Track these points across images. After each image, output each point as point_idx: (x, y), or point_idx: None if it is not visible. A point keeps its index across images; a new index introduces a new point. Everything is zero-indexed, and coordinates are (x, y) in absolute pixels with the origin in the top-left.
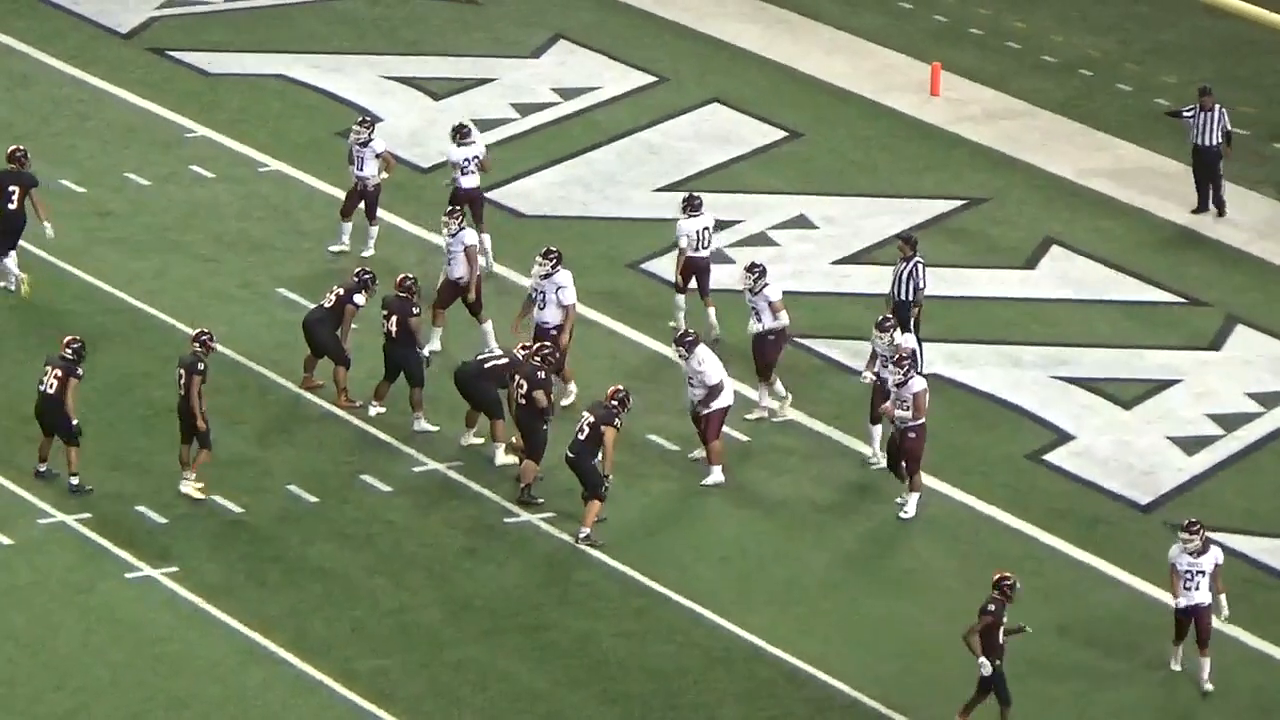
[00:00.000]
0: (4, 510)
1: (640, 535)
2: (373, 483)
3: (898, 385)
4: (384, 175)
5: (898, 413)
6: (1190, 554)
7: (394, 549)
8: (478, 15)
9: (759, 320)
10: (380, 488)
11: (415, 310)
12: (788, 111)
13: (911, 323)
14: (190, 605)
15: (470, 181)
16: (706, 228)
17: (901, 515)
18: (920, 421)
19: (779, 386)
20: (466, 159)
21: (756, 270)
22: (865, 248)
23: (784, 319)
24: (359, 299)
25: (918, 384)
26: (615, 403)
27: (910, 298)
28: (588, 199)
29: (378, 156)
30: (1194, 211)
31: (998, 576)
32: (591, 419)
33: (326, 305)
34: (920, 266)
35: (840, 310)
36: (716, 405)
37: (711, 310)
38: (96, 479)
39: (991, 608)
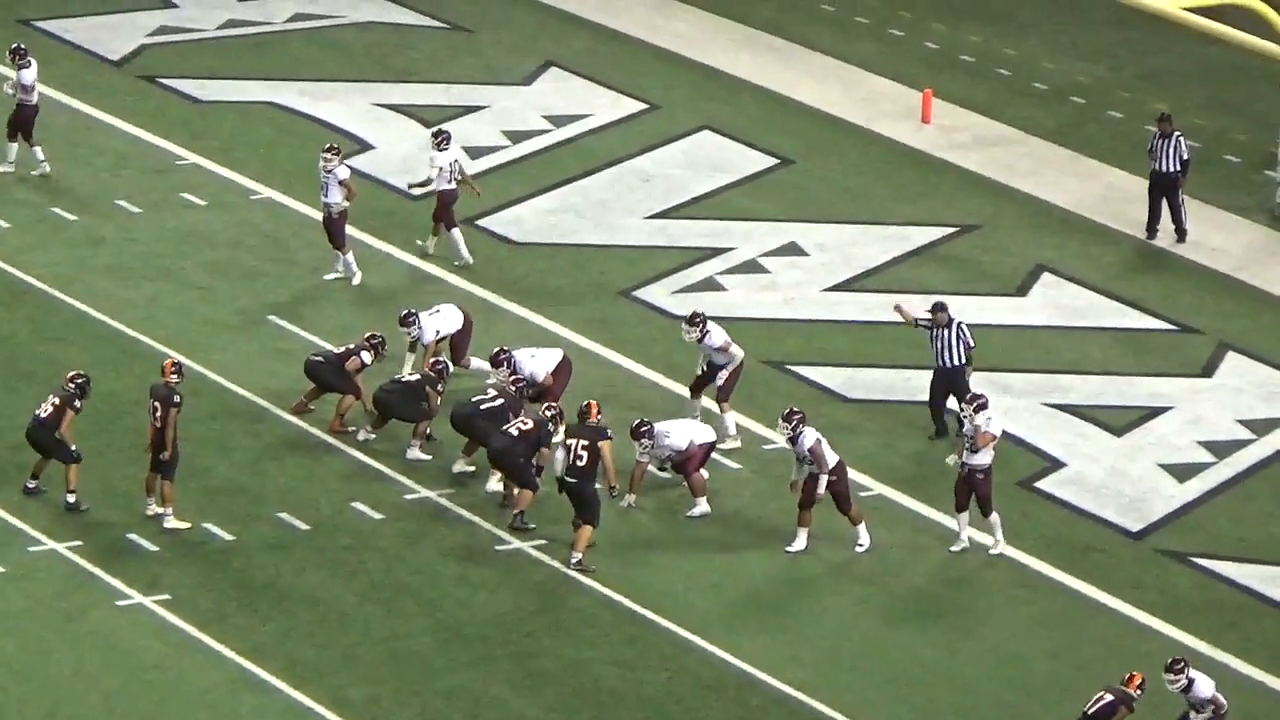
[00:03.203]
0: None
1: (632, 562)
2: (364, 510)
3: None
4: (347, 202)
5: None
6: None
7: (385, 576)
8: (469, 42)
9: (714, 367)
10: (372, 515)
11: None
12: (779, 138)
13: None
14: (182, 633)
15: (448, 184)
16: (456, 159)
17: (858, 548)
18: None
19: (729, 423)
20: (451, 163)
21: (698, 322)
22: (856, 275)
23: (736, 352)
24: (366, 357)
25: (808, 438)
26: (599, 416)
27: (964, 360)
28: (579, 226)
29: (341, 183)
30: (1147, 237)
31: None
32: (585, 441)
33: (335, 351)
34: (964, 326)
35: (832, 338)
36: (699, 441)
37: (456, 231)
38: (87, 507)
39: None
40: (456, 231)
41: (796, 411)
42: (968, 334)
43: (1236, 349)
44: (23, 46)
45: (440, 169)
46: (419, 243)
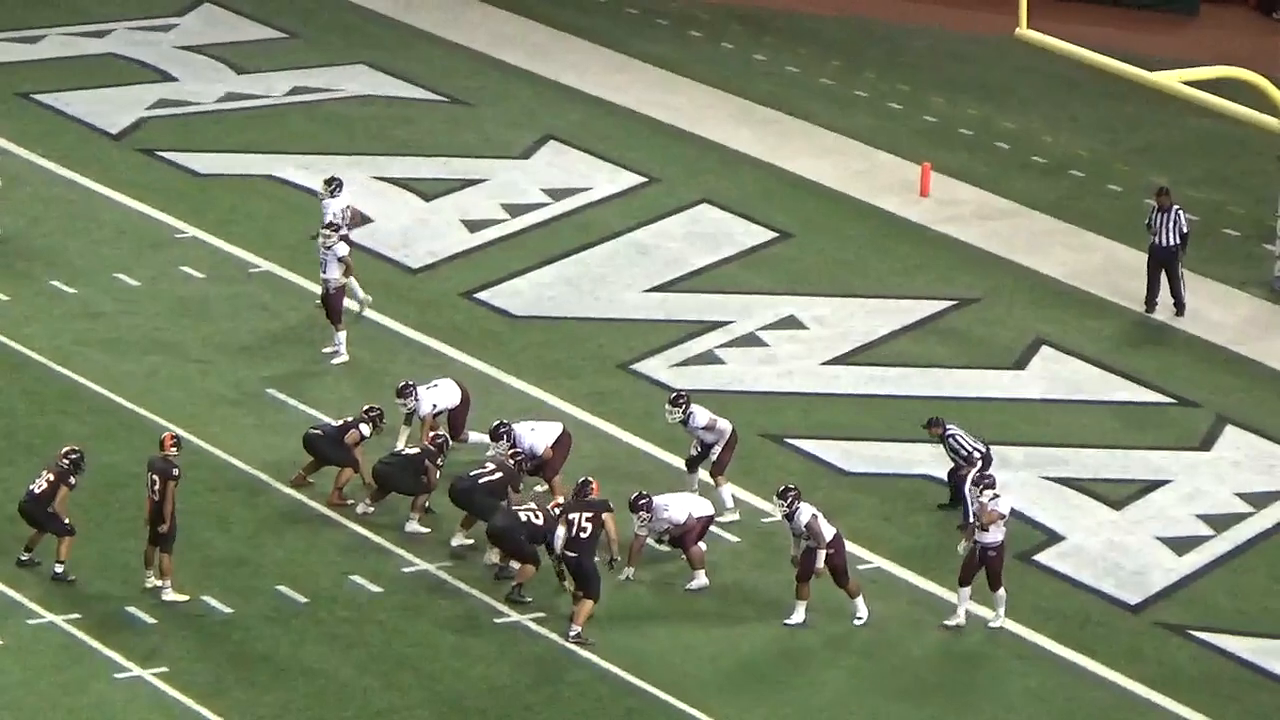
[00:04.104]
0: None
1: (630, 634)
2: (363, 583)
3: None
4: (345, 279)
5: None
6: None
7: (384, 649)
8: (468, 116)
9: (706, 446)
10: (370, 588)
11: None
12: (777, 212)
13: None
14: (180, 706)
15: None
16: (348, 205)
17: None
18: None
19: (727, 496)
20: (343, 209)
21: (680, 404)
22: (855, 348)
23: (725, 427)
24: (364, 429)
25: (804, 515)
26: (595, 493)
27: (971, 456)
28: (578, 299)
29: (340, 260)
30: (1146, 310)
31: None
32: (589, 514)
33: (334, 424)
34: (956, 439)
35: (831, 410)
36: (697, 515)
37: (352, 280)
38: (85, 579)
39: None
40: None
41: (791, 489)
42: (964, 442)
43: (1235, 422)
44: None
45: (335, 214)
46: (360, 299)
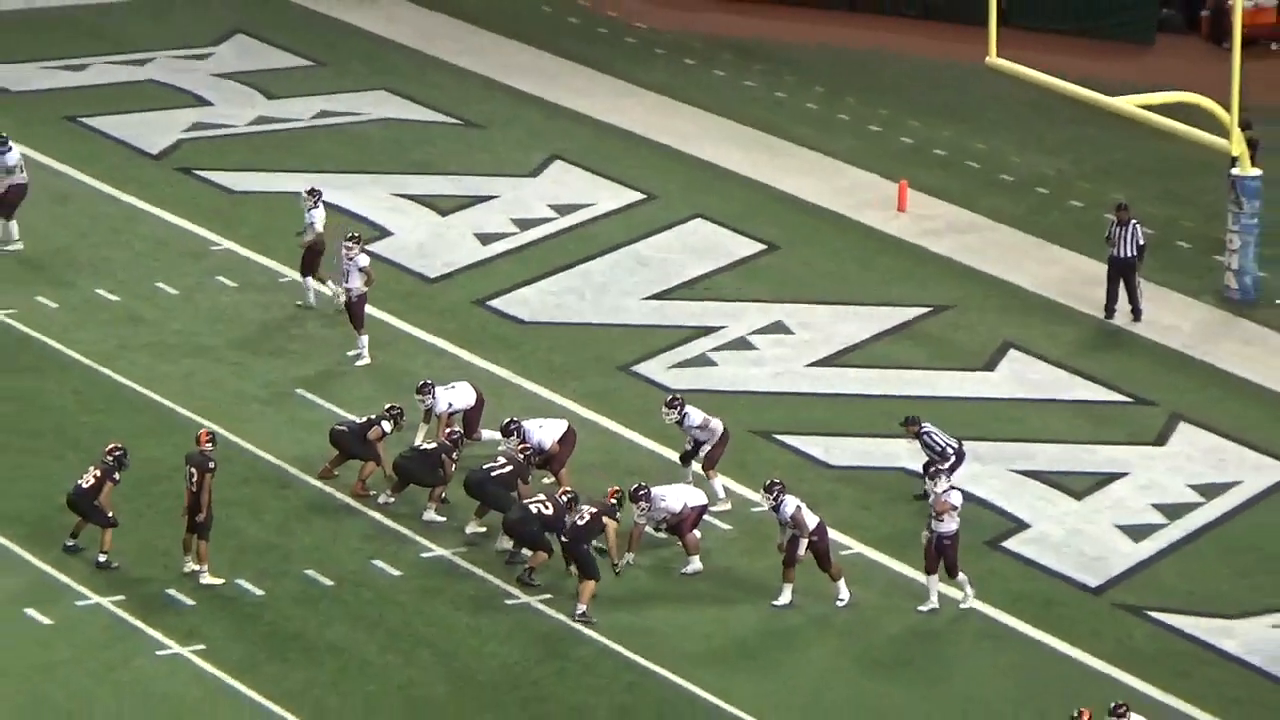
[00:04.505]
0: (44, 592)
1: (631, 615)
2: (384, 567)
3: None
4: (366, 288)
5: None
6: None
7: (404, 628)
8: (481, 137)
9: (699, 442)
10: (391, 572)
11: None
12: (766, 226)
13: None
14: (216, 680)
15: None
16: (324, 218)
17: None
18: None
19: (718, 487)
20: (317, 219)
21: (676, 406)
22: (838, 351)
23: (717, 426)
24: (386, 426)
25: (789, 506)
26: (614, 501)
27: (945, 452)
28: (582, 307)
29: (361, 270)
30: (1105, 317)
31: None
32: (594, 510)
33: (358, 421)
34: (931, 436)
35: (815, 409)
36: (692, 505)
37: (310, 279)
38: (128, 564)
39: None
40: (311, 279)
41: (776, 483)
42: (937, 440)
43: (1187, 420)
44: (2, 134)
45: (313, 224)
46: (333, 297)
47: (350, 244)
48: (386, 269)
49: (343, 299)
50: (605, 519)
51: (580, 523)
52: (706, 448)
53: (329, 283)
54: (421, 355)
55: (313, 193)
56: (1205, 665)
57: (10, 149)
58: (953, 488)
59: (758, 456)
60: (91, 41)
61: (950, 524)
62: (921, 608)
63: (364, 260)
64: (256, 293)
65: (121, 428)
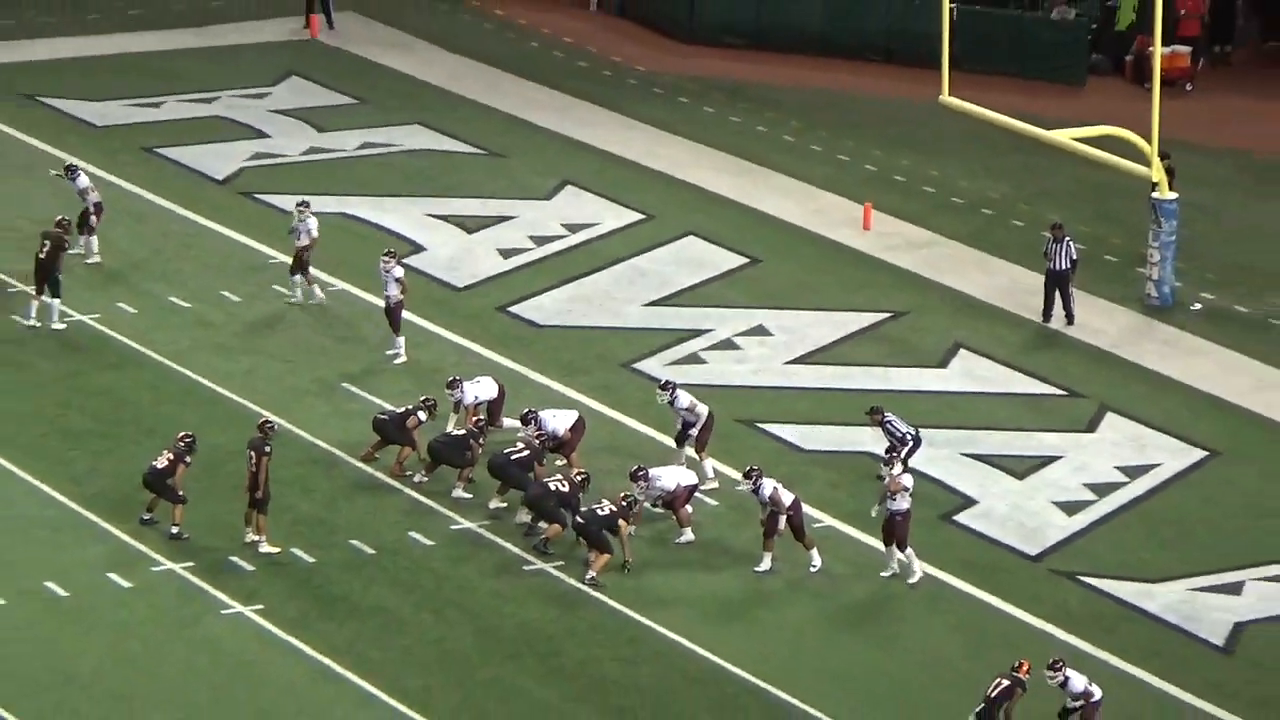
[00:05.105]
0: (125, 559)
1: (631, 579)
2: (419, 538)
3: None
4: (402, 295)
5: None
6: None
7: (436, 590)
8: (502, 165)
9: (686, 423)
10: (425, 542)
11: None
12: (749, 242)
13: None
14: (273, 636)
15: (304, 243)
16: (317, 225)
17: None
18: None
19: (708, 468)
20: (312, 227)
21: (668, 389)
22: (811, 351)
23: (702, 410)
24: (421, 415)
25: (767, 487)
26: (626, 504)
27: (904, 438)
28: (589, 312)
29: (397, 281)
30: (1043, 321)
31: (1027, 665)
32: (614, 508)
33: (396, 411)
34: (892, 424)
35: (792, 401)
36: (684, 483)
37: (298, 277)
38: (197, 535)
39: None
40: (299, 277)
41: (754, 469)
42: (896, 426)
43: (1114, 410)
44: (73, 165)
45: (307, 230)
46: (317, 292)
47: (387, 258)
48: (419, 279)
49: (320, 298)
50: (620, 520)
51: (601, 513)
52: (694, 430)
53: (314, 285)
54: (451, 354)
55: (303, 206)
56: (1129, 623)
57: (79, 174)
58: (905, 471)
59: (742, 443)
60: (166, 83)
61: (902, 503)
62: (883, 574)
63: (399, 272)
64: (308, 301)
65: (191, 417)
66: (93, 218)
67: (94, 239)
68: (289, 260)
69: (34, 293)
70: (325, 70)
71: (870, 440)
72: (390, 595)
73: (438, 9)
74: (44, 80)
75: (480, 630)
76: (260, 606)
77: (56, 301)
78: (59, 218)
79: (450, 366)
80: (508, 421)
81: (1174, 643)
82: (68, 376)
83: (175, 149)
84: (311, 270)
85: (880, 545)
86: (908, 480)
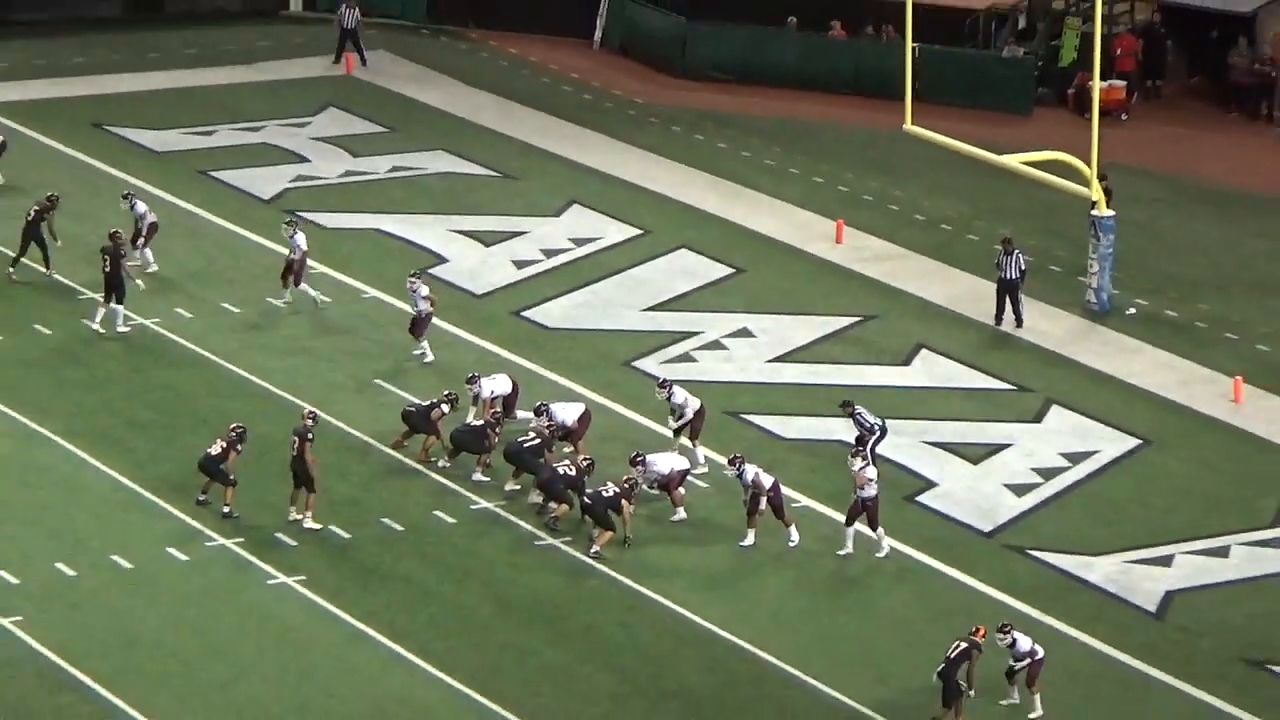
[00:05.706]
0: (183, 535)
1: (631, 553)
2: (443, 516)
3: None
4: (432, 309)
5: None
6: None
7: (457, 564)
8: (517, 186)
9: (681, 416)
10: (448, 520)
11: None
12: (735, 255)
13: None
14: (314, 603)
15: (296, 256)
16: (305, 238)
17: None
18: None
19: (699, 455)
20: (301, 247)
21: (665, 387)
22: (791, 350)
23: (694, 403)
24: (444, 408)
25: (749, 473)
26: (628, 486)
27: (873, 428)
28: (594, 317)
29: (425, 298)
30: (995, 324)
31: (983, 630)
32: (616, 490)
33: (422, 404)
34: (861, 415)
35: (774, 396)
36: (678, 468)
37: (304, 285)
38: (245, 514)
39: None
40: (305, 286)
41: (737, 457)
42: (866, 419)
43: (1059, 403)
44: (129, 192)
45: (296, 245)
46: (314, 293)
47: (413, 278)
48: (443, 288)
49: (323, 299)
50: (623, 500)
51: (606, 495)
52: (687, 418)
53: (304, 286)
54: (470, 354)
55: (291, 223)
56: (1072, 592)
57: (136, 201)
58: (869, 464)
59: (729, 432)
60: (218, 113)
61: (870, 490)
62: (840, 552)
63: (424, 289)
64: (345, 306)
65: (242, 410)
66: (143, 236)
67: (148, 251)
68: (329, 270)
69: (101, 300)
70: (360, 102)
71: (843, 430)
72: (417, 567)
73: (459, 48)
74: (111, 111)
75: (497, 599)
76: (302, 577)
77: (120, 307)
78: (111, 230)
79: (470, 364)
80: (521, 413)
81: (1112, 609)
82: (132, 374)
83: (226, 172)
84: (306, 279)
85: (858, 525)
86: (871, 472)
